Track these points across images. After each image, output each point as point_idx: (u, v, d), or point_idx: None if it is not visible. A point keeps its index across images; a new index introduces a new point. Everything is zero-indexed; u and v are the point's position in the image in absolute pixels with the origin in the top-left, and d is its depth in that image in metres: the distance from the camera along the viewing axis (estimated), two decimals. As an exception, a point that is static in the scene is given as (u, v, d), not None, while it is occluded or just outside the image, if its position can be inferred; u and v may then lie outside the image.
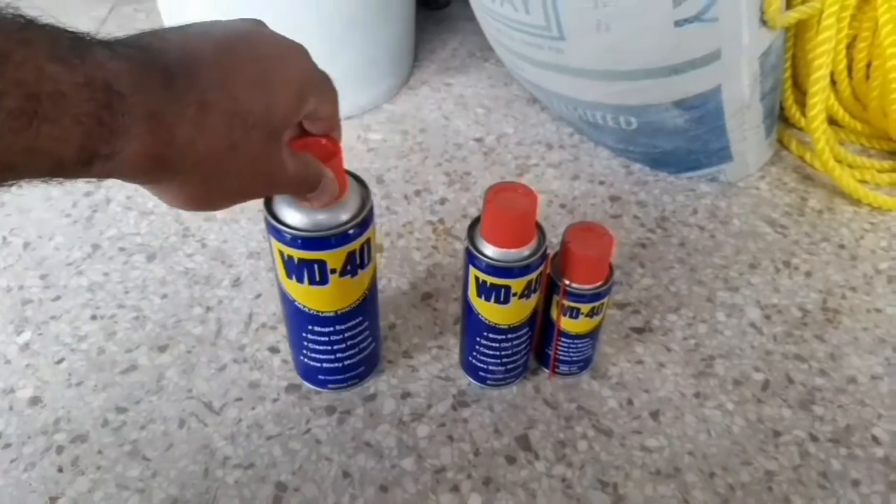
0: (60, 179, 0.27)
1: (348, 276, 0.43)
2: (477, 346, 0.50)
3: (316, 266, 0.41)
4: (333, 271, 0.42)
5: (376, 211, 0.68)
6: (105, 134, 0.26)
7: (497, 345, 0.49)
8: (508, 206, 0.43)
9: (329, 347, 0.47)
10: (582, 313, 0.48)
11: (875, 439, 0.51)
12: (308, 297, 0.44)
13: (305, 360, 0.49)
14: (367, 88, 0.82)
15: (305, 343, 0.48)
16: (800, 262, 0.65)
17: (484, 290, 0.46)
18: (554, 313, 0.49)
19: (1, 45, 0.23)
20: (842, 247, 0.66)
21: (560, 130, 0.81)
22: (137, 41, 0.29)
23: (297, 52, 0.35)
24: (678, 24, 0.59)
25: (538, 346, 0.54)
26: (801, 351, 0.57)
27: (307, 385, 0.53)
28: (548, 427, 0.51)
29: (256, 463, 0.49)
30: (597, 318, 0.50)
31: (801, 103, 0.76)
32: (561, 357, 0.52)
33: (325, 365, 0.49)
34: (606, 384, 0.54)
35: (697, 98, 0.65)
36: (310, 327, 0.46)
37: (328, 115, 0.39)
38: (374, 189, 0.71)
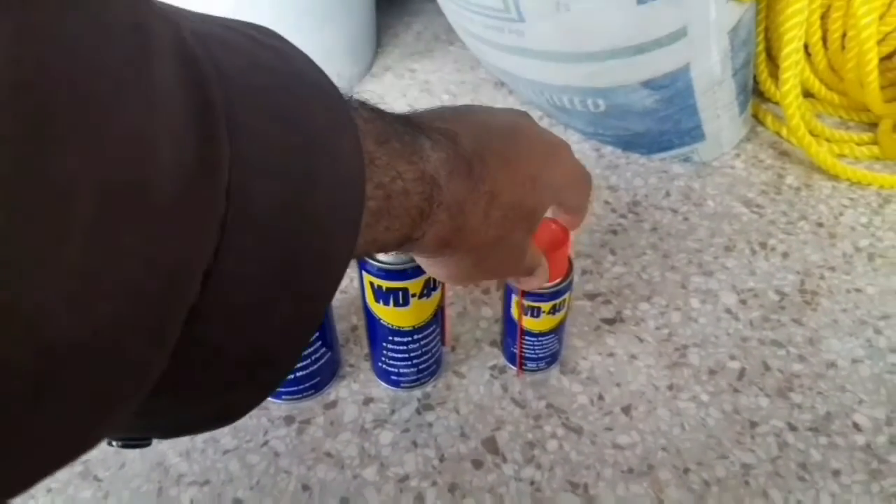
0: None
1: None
2: (384, 352, 0.48)
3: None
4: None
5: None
6: (422, 222, 0.28)
7: (405, 347, 0.47)
8: None
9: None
10: (543, 311, 0.46)
11: (856, 426, 0.49)
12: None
13: (257, 370, 0.47)
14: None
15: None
16: (776, 243, 0.62)
17: (381, 295, 0.43)
18: (515, 313, 0.47)
19: (371, 149, 0.24)
20: (820, 225, 0.64)
21: (529, 115, 0.79)
22: (443, 126, 0.30)
23: (563, 152, 0.37)
24: (641, 0, 0.56)
25: (504, 344, 0.52)
26: (779, 336, 0.55)
27: (264, 394, 0.51)
28: (516, 427, 0.49)
29: (212, 479, 0.47)
30: (559, 315, 0.48)
31: (776, 77, 0.73)
32: (527, 355, 0.50)
33: (277, 375, 0.47)
34: (576, 379, 0.52)
35: (666, 77, 0.63)
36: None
37: (577, 207, 0.40)
38: (336, 184, 0.69)
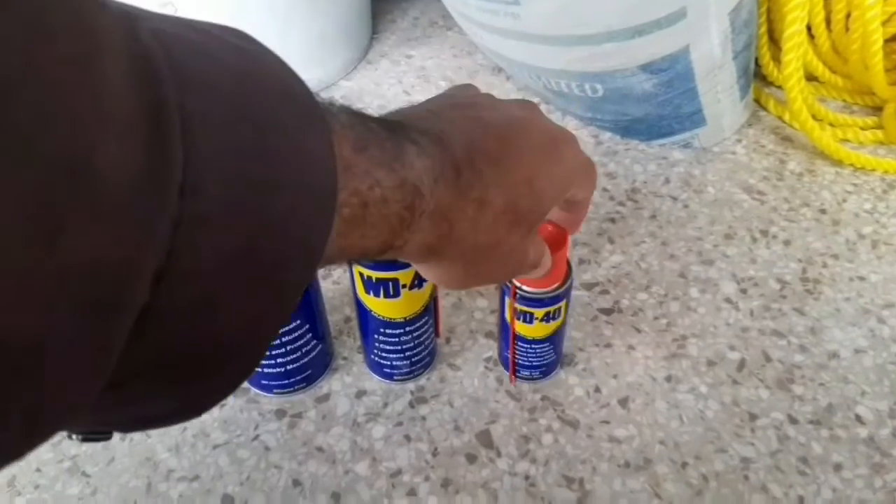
0: None
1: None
2: (376, 344, 0.47)
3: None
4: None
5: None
6: (403, 230, 0.27)
7: (397, 339, 0.46)
8: None
9: (267, 353, 0.44)
10: (536, 318, 0.44)
11: (858, 418, 0.48)
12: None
13: (246, 364, 0.46)
14: (321, 64, 0.78)
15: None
16: (778, 231, 0.61)
17: (371, 286, 0.42)
18: (508, 316, 0.46)
19: (347, 156, 0.23)
20: (823, 211, 0.63)
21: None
22: (432, 127, 0.29)
23: (567, 146, 0.35)
24: (638, -19, 0.55)
25: (499, 346, 0.50)
26: (779, 326, 0.53)
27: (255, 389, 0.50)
28: (511, 421, 0.48)
29: (202, 474, 0.46)
30: (554, 323, 0.45)
31: (778, 59, 0.71)
32: (520, 362, 0.48)
33: (266, 370, 0.46)
34: (573, 371, 0.51)
35: (665, 60, 0.61)
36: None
37: (581, 202, 0.39)
38: (330, 173, 0.68)
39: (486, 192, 0.30)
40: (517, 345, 0.47)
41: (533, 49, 0.65)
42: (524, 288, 0.43)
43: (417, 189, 0.26)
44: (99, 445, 0.47)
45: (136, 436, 0.48)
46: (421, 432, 0.48)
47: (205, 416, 0.48)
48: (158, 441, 0.47)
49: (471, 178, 0.29)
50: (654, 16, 0.57)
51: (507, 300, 0.45)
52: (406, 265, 0.41)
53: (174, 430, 0.48)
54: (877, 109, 0.74)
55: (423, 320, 0.46)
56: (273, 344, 0.44)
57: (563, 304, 0.45)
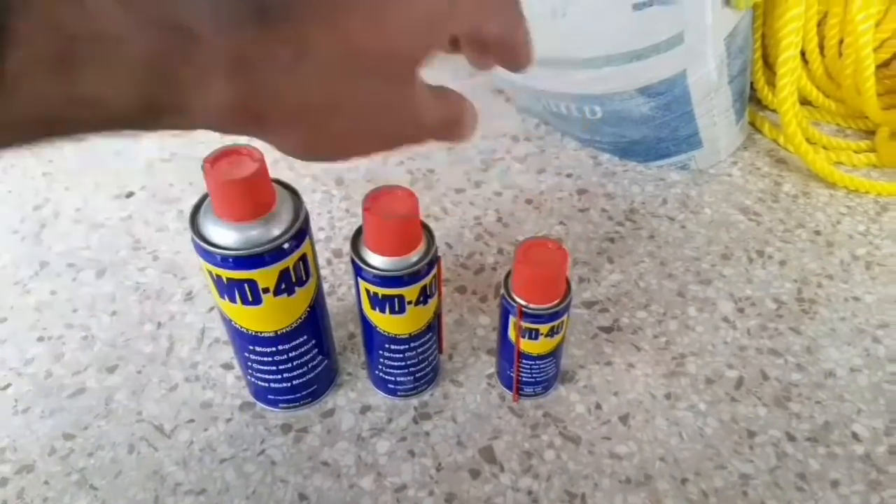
0: (135, 132, 0.23)
1: (284, 294, 0.40)
2: (381, 360, 0.48)
3: (247, 286, 0.39)
4: (266, 290, 0.39)
5: (336, 213, 0.66)
6: (174, 84, 0.22)
7: (401, 355, 0.47)
8: (389, 212, 0.40)
9: (274, 368, 0.45)
10: (541, 334, 0.46)
11: (855, 436, 0.49)
12: (242, 316, 0.41)
13: (253, 379, 0.47)
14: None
15: (250, 363, 0.45)
16: (774, 251, 0.62)
17: (377, 302, 0.43)
18: (512, 335, 0.47)
19: None
20: (817, 233, 0.64)
21: (525, 122, 0.78)
22: None
23: None
24: (637, 7, 0.57)
25: (499, 367, 0.51)
26: (776, 345, 0.54)
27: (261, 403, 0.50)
28: (513, 437, 0.49)
29: (209, 488, 0.46)
30: (557, 337, 0.47)
31: (773, 84, 0.73)
32: (524, 379, 0.49)
33: (272, 385, 0.47)
34: (574, 388, 0.52)
35: (662, 84, 0.63)
36: (251, 347, 0.44)
37: (503, 40, 0.32)
38: (334, 191, 0.69)
39: (305, 35, 0.23)
40: (522, 362, 0.48)
41: (532, 71, 0.66)
42: (530, 306, 0.44)
43: (185, 28, 0.21)
44: (107, 459, 0.48)
45: (144, 449, 0.48)
46: (425, 447, 0.48)
47: (211, 430, 0.49)
48: (166, 455, 0.48)
49: (281, 16, 0.23)
50: (652, 41, 0.59)
51: (512, 319, 0.46)
52: (411, 282, 0.42)
53: (181, 444, 0.48)
54: (869, 133, 0.75)
55: (427, 337, 0.47)
56: (280, 359, 0.45)
57: (565, 318, 0.46)
